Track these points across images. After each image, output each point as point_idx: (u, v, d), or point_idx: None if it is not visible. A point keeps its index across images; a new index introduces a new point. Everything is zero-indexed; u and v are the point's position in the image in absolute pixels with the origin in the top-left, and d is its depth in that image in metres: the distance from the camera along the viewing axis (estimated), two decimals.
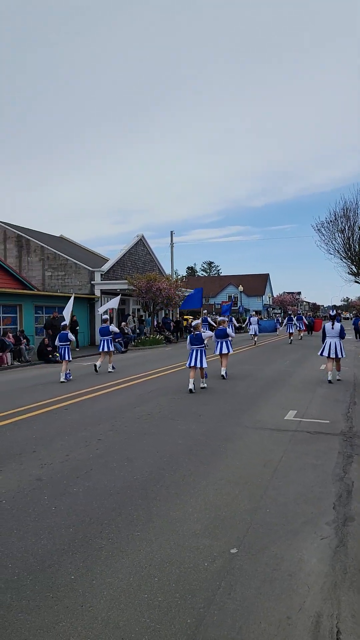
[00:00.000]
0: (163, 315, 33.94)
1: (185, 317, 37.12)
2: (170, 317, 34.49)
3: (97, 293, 27.81)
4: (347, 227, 36.41)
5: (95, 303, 27.58)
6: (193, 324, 11.55)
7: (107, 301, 27.79)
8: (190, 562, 3.34)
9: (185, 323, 34.72)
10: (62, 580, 3.14)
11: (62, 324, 14.11)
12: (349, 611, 2.79)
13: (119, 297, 19.82)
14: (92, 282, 28.14)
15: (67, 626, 2.68)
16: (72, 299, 15.62)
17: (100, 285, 28.01)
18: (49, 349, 19.11)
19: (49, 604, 2.89)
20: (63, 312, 15.12)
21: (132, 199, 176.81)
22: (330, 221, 36.84)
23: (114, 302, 18.66)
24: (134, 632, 2.63)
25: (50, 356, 18.75)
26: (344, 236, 36.57)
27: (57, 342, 13.70)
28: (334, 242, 37.05)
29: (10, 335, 18.78)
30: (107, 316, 16.43)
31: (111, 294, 28.60)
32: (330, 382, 11.59)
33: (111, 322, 15.81)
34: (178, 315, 36.36)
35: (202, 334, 11.21)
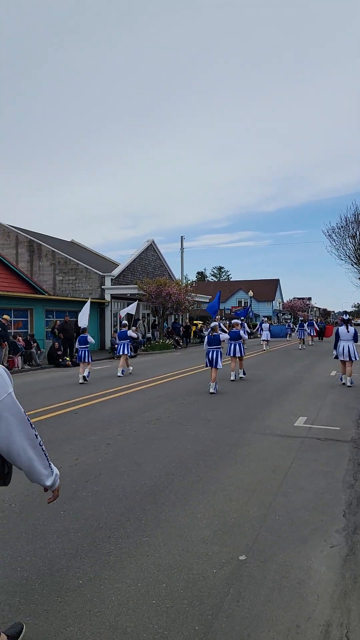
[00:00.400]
0: (172, 320, 33.95)
1: (194, 322, 37.17)
2: (180, 322, 34.50)
3: (108, 297, 27.92)
4: (358, 233, 36.27)
5: (105, 307, 27.70)
6: (212, 325, 12.05)
7: (118, 306, 27.91)
8: (199, 569, 3.32)
9: (194, 328, 34.77)
10: (70, 585, 3.14)
11: (82, 327, 14.57)
12: (359, 620, 2.75)
13: (136, 302, 20.10)
14: (102, 286, 28.26)
15: (75, 631, 2.68)
16: (88, 303, 15.87)
17: (110, 289, 28.12)
18: (59, 352, 19.21)
19: (57, 608, 2.89)
20: (79, 316, 15.50)
21: (143, 204, 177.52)
22: (342, 227, 36.74)
23: (132, 308, 18.99)
24: (142, 638, 2.62)
25: (60, 360, 18.85)
26: (355, 242, 36.43)
27: (77, 345, 14.21)
28: (344, 247, 36.95)
29: (21, 339, 18.91)
30: (126, 321, 16.79)
31: (121, 298, 28.70)
32: (344, 383, 11.95)
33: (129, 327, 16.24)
34: (187, 320, 36.37)
35: (220, 335, 11.63)
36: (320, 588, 3.08)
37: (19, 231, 30.17)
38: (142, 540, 3.74)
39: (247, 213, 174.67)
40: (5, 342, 17.10)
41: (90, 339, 14.01)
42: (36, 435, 2.19)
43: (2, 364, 13.09)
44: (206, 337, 11.76)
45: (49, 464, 2.28)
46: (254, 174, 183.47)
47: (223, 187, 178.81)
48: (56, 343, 19.62)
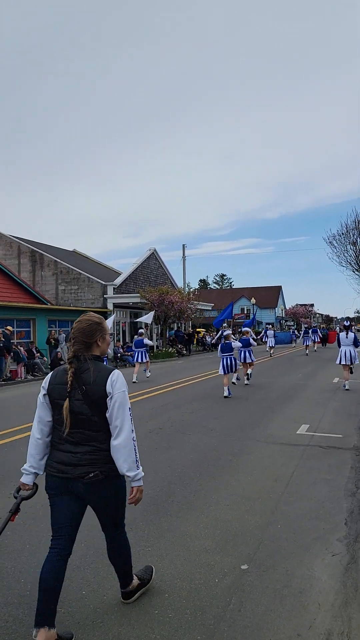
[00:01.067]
0: (175, 328, 33.99)
1: (197, 330, 37.20)
2: (183, 330, 34.52)
3: (110, 307, 28.00)
4: (358, 240, 36.33)
5: (108, 317, 27.79)
6: (224, 334, 12.87)
7: (120, 315, 27.99)
8: (201, 578, 3.34)
9: (196, 336, 34.80)
10: (73, 596, 3.17)
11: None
12: (359, 630, 2.77)
13: (152, 312, 20.38)
14: (104, 295, 28.37)
15: None
16: (112, 316, 16.50)
17: (112, 298, 28.21)
18: (62, 362, 19.25)
19: (60, 619, 2.90)
20: (140, 319, 16.53)
21: (145, 212, 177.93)
22: (342, 234, 36.83)
23: (148, 317, 19.31)
24: None
25: None
26: (355, 249, 36.51)
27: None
28: (345, 254, 37.02)
29: (23, 349, 18.97)
30: (142, 330, 17.15)
31: (124, 307, 28.79)
32: (347, 389, 12.25)
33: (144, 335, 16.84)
34: (190, 328, 36.39)
35: (232, 343, 12.35)
36: (322, 597, 3.10)
37: (21, 241, 30.35)
38: (145, 551, 3.76)
39: (249, 220, 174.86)
40: (11, 353, 17.18)
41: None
42: (133, 430, 2.69)
43: (6, 375, 13.22)
44: (219, 345, 12.49)
45: (137, 459, 2.70)
46: (256, 180, 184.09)
47: (225, 195, 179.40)
48: (59, 352, 19.70)
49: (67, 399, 2.66)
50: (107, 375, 2.69)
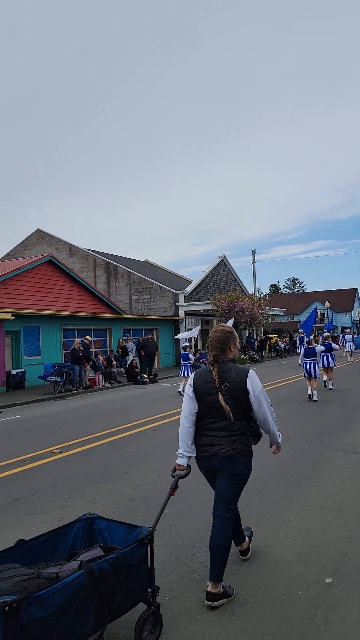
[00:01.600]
0: (247, 335, 33.72)
1: (270, 335, 36.66)
2: (254, 336, 34.17)
3: (182, 314, 28.33)
4: None
5: (179, 324, 28.12)
6: (307, 340, 13.13)
7: (192, 323, 28.22)
8: (284, 590, 3.31)
9: (268, 342, 34.27)
10: (158, 601, 3.24)
11: (182, 345, 16.04)
12: None
13: (198, 327, 20.20)
14: (176, 304, 28.74)
15: None
16: (198, 327, 17.00)
17: (184, 306, 28.52)
18: (137, 370, 19.74)
19: None
20: (180, 336, 17.00)
21: (213, 220, 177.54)
22: None
23: (192, 332, 18.97)
24: None
25: (138, 377, 19.35)
26: None
27: (182, 361, 15.62)
28: None
29: (102, 357, 19.65)
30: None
31: (195, 315, 29.01)
32: None
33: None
34: (262, 334, 35.94)
35: (315, 347, 12.63)
36: None
37: (96, 254, 31.54)
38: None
39: (319, 222, 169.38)
40: (90, 361, 17.89)
41: (191, 355, 15.36)
42: (273, 412, 3.35)
43: (85, 383, 13.72)
44: (302, 350, 12.84)
45: (279, 432, 3.47)
46: (324, 182, 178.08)
47: (293, 198, 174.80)
48: (134, 361, 20.22)
49: (219, 393, 3.23)
50: (245, 374, 3.26)
